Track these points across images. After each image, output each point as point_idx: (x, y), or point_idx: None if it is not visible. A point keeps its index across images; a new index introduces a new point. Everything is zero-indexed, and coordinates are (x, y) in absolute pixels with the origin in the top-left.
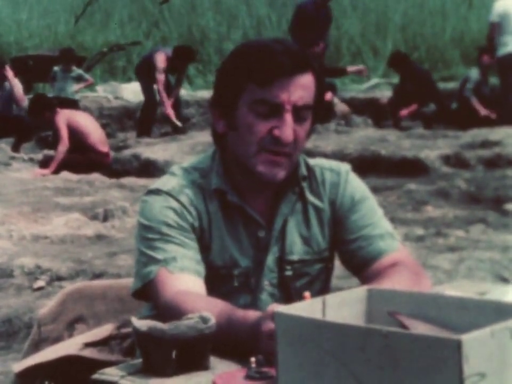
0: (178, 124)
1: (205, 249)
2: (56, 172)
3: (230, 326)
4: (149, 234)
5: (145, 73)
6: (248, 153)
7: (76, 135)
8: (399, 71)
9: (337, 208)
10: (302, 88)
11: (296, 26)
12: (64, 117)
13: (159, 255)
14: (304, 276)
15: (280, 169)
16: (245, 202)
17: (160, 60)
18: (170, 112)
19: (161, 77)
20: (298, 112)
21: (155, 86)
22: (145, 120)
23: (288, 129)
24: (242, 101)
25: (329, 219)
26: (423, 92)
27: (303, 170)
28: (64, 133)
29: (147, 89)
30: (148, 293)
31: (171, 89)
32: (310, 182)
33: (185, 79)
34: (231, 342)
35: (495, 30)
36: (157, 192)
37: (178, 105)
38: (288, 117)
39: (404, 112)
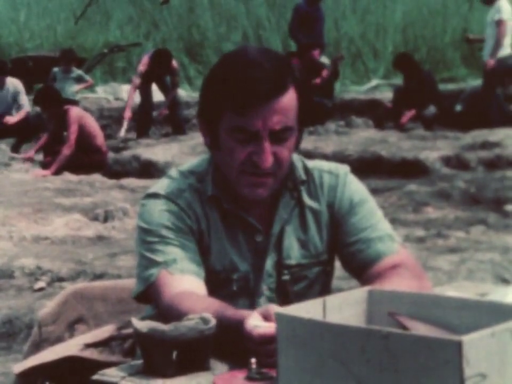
0: (122, 133)
1: (204, 252)
2: (57, 173)
3: (221, 325)
4: (148, 237)
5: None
6: (231, 175)
7: (86, 136)
8: (403, 72)
9: (335, 211)
10: (279, 112)
11: (294, 27)
12: (77, 115)
13: (159, 258)
14: (302, 279)
15: (263, 189)
16: (242, 208)
17: (142, 63)
18: (127, 116)
19: (136, 79)
20: (277, 136)
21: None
22: (141, 121)
23: (265, 155)
24: (221, 126)
25: (327, 222)
26: (425, 93)
27: (301, 175)
28: (73, 134)
29: (143, 90)
30: (149, 296)
31: (168, 90)
32: (308, 184)
33: (185, 80)
34: (225, 340)
35: (505, 30)
36: (155, 195)
37: (176, 107)
38: (265, 143)
39: (404, 119)
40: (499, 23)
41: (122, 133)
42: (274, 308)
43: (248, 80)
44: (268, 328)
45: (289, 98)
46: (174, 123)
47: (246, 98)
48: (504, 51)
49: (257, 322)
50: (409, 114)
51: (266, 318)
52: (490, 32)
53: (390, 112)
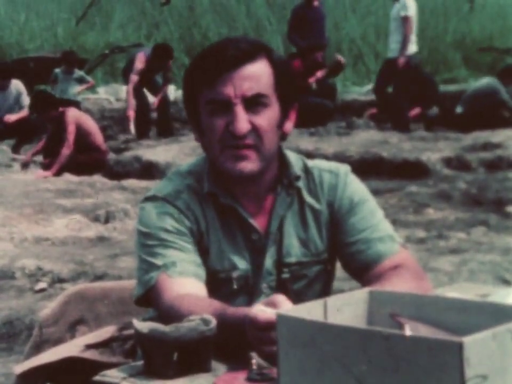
0: (133, 131)
1: (204, 252)
2: (58, 173)
3: (222, 324)
4: (148, 241)
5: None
6: (214, 154)
7: (84, 135)
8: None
9: (335, 210)
10: (248, 78)
11: (291, 29)
12: (73, 116)
13: (158, 261)
14: (302, 278)
15: (246, 162)
16: (239, 204)
17: (139, 60)
18: (131, 115)
19: (134, 77)
20: (251, 103)
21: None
22: (139, 123)
23: (239, 121)
24: (201, 106)
25: (327, 221)
26: (425, 96)
27: (296, 170)
28: (71, 135)
29: (137, 92)
30: (150, 300)
31: (157, 88)
32: (308, 183)
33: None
34: (226, 340)
35: (412, 26)
36: (153, 198)
37: (166, 104)
38: (238, 110)
39: (412, 113)
40: (405, 20)
41: (132, 131)
42: (279, 297)
43: (215, 51)
44: (273, 314)
45: (260, 67)
46: (162, 123)
47: (214, 68)
48: (411, 49)
49: (262, 307)
50: (415, 110)
51: (270, 306)
52: (394, 27)
53: (374, 116)
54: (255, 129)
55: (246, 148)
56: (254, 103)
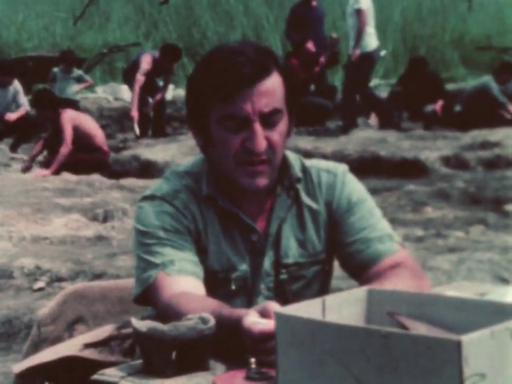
0: (137, 131)
1: (202, 252)
2: (57, 172)
3: (219, 324)
4: (146, 239)
5: (133, 77)
6: (227, 168)
7: (83, 136)
8: (415, 75)
9: (333, 210)
10: (265, 94)
11: (289, 27)
12: (70, 117)
13: (157, 259)
14: (300, 278)
15: (261, 177)
16: (238, 207)
17: (146, 61)
18: (135, 115)
19: (141, 77)
20: (267, 119)
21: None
22: (141, 122)
23: (258, 139)
24: (212, 118)
25: (325, 221)
26: (427, 93)
27: (297, 172)
28: (68, 134)
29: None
30: (148, 298)
31: (156, 91)
32: (306, 183)
33: (184, 79)
34: (223, 339)
35: (365, 19)
36: (151, 197)
37: (162, 106)
38: (257, 127)
39: (437, 107)
40: (358, 13)
41: (137, 131)
42: (272, 305)
43: (231, 66)
44: (267, 324)
45: (274, 81)
46: (156, 124)
47: (232, 84)
48: (372, 44)
49: (255, 319)
50: (438, 104)
51: (263, 315)
52: (351, 24)
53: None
54: (270, 145)
55: (261, 163)
56: (270, 119)
